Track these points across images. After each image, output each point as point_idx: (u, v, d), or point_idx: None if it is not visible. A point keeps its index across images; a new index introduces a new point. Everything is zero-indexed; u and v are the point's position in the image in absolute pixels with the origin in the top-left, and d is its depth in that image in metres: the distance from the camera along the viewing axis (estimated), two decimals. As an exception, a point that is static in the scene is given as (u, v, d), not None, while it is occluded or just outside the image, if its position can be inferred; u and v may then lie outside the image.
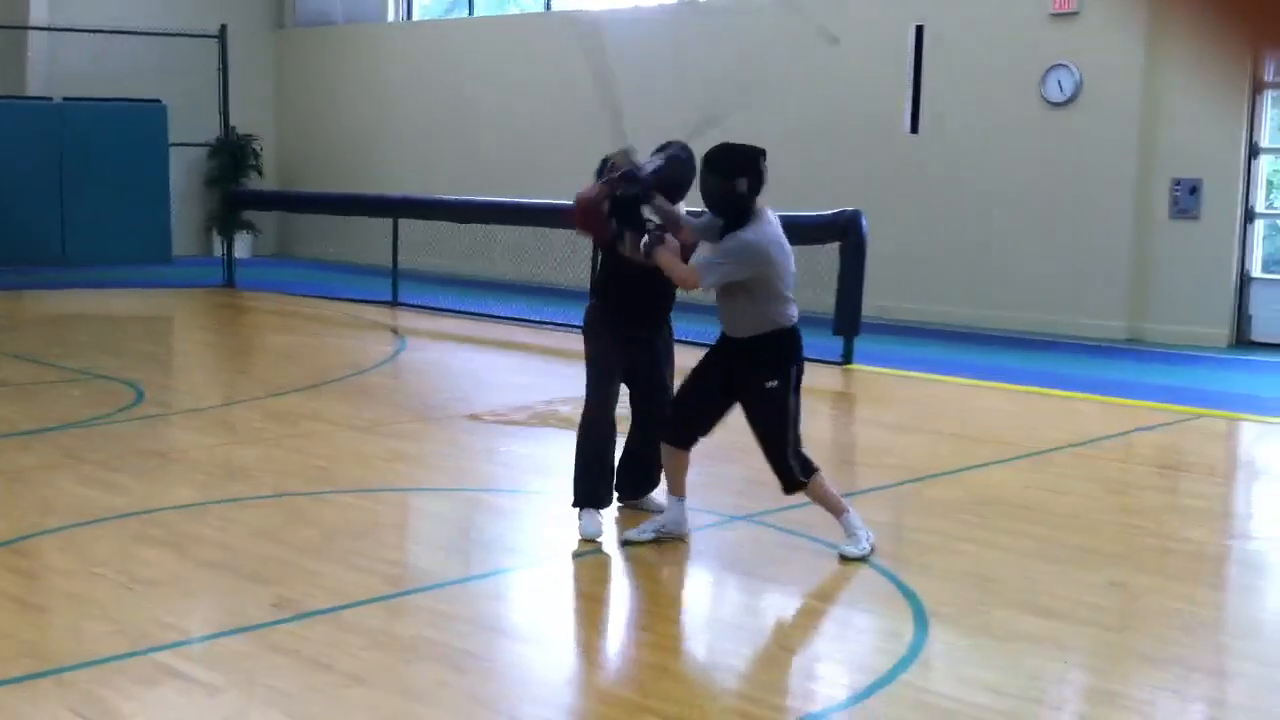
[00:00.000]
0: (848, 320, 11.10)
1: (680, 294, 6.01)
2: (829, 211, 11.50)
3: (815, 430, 9.20)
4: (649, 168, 5.70)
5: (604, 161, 5.77)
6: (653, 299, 6.06)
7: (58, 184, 16.04)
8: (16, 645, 4.50)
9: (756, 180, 5.50)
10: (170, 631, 4.69)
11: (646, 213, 5.77)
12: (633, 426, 6.25)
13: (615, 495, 6.17)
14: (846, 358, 11.05)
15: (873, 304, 11.73)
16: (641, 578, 5.66)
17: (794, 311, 5.77)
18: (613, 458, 6.07)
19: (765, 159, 5.52)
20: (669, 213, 5.78)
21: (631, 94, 16.10)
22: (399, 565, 5.66)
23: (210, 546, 5.69)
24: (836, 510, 5.73)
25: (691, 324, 11.70)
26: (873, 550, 5.62)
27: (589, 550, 5.82)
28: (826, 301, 11.28)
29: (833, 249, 11.39)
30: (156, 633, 4.65)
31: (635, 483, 6.28)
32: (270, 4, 21.17)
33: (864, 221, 11.27)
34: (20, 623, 4.73)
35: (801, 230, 11.78)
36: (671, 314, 6.25)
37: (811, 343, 11.25)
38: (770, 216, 5.63)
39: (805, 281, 12.70)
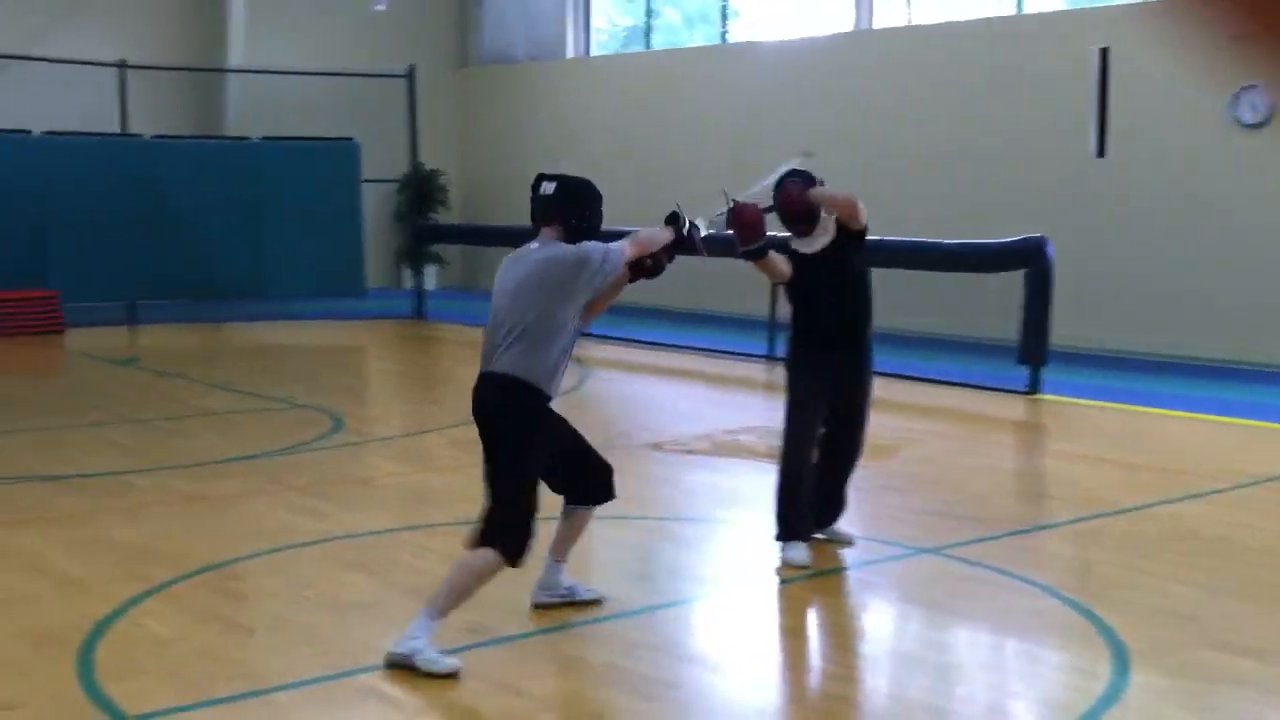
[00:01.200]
0: (1034, 349, 10.91)
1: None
2: (1013, 238, 11.34)
3: (1000, 461, 9.08)
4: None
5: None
6: (842, 320, 6.11)
7: (256, 220, 16.73)
8: (227, 666, 4.71)
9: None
10: (373, 654, 4.86)
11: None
12: (820, 456, 6.23)
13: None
14: (1033, 387, 10.85)
15: (1059, 332, 11.49)
16: (827, 609, 5.67)
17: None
18: (808, 490, 6.09)
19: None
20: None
21: (804, 123, 16.20)
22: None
23: (407, 571, 5.88)
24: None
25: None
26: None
27: (786, 579, 5.84)
28: (1011, 330, 11.11)
29: (1017, 276, 11.21)
30: (360, 655, 4.82)
31: (818, 513, 6.26)
32: (455, 44, 21.78)
33: (1049, 248, 11.07)
34: (230, 644, 4.95)
35: (985, 257, 11.68)
36: (868, 338, 6.24)
37: (995, 372, 11.19)
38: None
39: (988, 309, 12.61)
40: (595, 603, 5.36)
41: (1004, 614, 5.47)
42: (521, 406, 4.91)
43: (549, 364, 4.91)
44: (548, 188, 5.11)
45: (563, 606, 5.28)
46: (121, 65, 16.68)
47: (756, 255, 5.95)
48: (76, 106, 16.35)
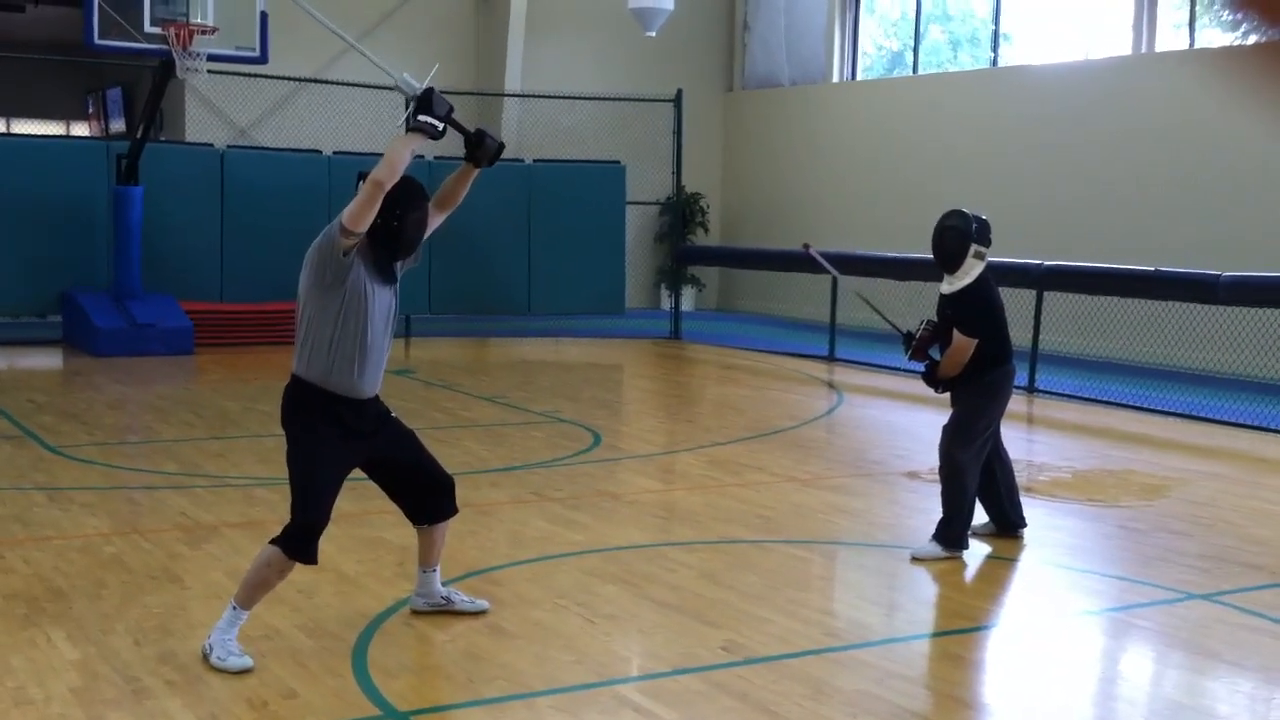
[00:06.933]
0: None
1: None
2: (1300, 273, 10.77)
3: (1281, 507, 8.61)
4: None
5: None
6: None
7: (526, 240, 17.28)
8: (492, 668, 4.90)
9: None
10: (628, 665, 4.99)
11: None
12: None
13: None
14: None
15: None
16: (1088, 650, 5.50)
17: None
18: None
19: None
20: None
21: (1076, 147, 15.70)
22: (840, 618, 5.75)
23: (662, 586, 5.98)
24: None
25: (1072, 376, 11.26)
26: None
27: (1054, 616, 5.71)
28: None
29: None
30: (615, 666, 4.95)
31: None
32: (721, 69, 22.04)
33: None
34: (495, 647, 5.13)
35: (1267, 291, 11.06)
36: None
37: (1278, 413, 10.60)
38: None
39: (1269, 346, 11.96)
40: (481, 613, 5.47)
41: (1277, 665, 5.21)
42: (295, 403, 4.96)
43: (324, 358, 4.88)
44: None
45: (446, 614, 5.44)
46: (407, 89, 17.48)
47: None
48: (365, 128, 17.23)
